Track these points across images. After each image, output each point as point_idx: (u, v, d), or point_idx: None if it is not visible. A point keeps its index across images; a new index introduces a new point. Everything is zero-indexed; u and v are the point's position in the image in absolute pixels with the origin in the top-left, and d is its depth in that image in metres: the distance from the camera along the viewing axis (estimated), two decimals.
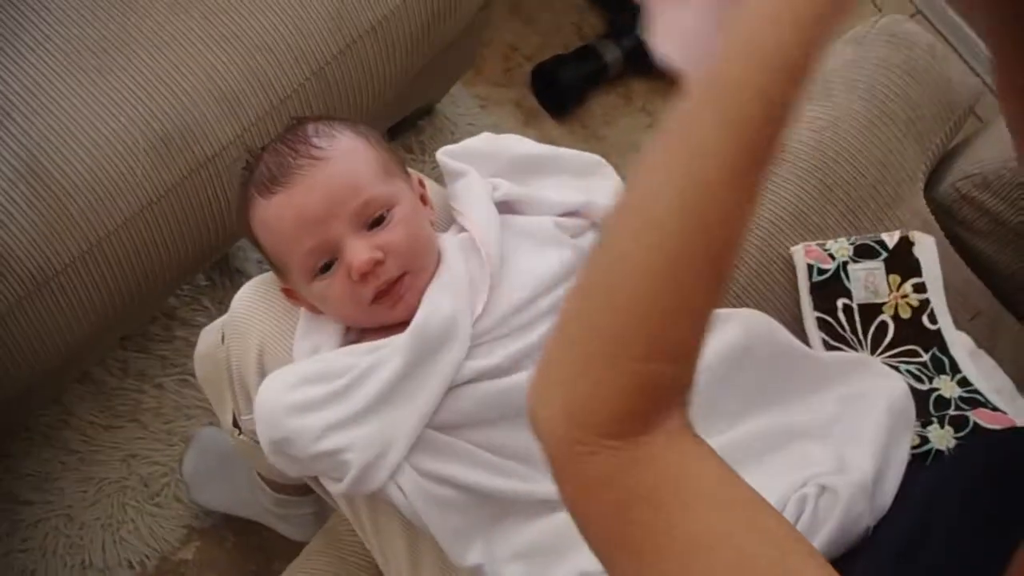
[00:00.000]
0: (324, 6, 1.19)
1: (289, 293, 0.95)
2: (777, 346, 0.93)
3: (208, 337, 1.05)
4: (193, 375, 1.50)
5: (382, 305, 0.88)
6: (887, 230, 1.15)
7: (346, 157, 0.89)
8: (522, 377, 0.85)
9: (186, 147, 1.10)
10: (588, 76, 1.85)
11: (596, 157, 1.02)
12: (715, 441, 0.84)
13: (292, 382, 0.84)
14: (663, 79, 1.68)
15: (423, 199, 0.96)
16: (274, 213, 0.88)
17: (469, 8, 1.42)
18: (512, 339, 0.86)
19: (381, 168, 0.91)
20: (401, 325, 0.87)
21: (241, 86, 1.14)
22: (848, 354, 1.02)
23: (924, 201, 1.22)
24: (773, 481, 0.83)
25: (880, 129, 1.21)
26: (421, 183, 0.98)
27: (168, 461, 1.48)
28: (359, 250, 0.86)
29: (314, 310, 0.93)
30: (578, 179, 0.99)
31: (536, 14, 1.97)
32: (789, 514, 0.80)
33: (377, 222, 0.88)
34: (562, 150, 1.01)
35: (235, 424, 1.04)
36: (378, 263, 0.86)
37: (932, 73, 1.26)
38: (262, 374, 0.92)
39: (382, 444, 0.82)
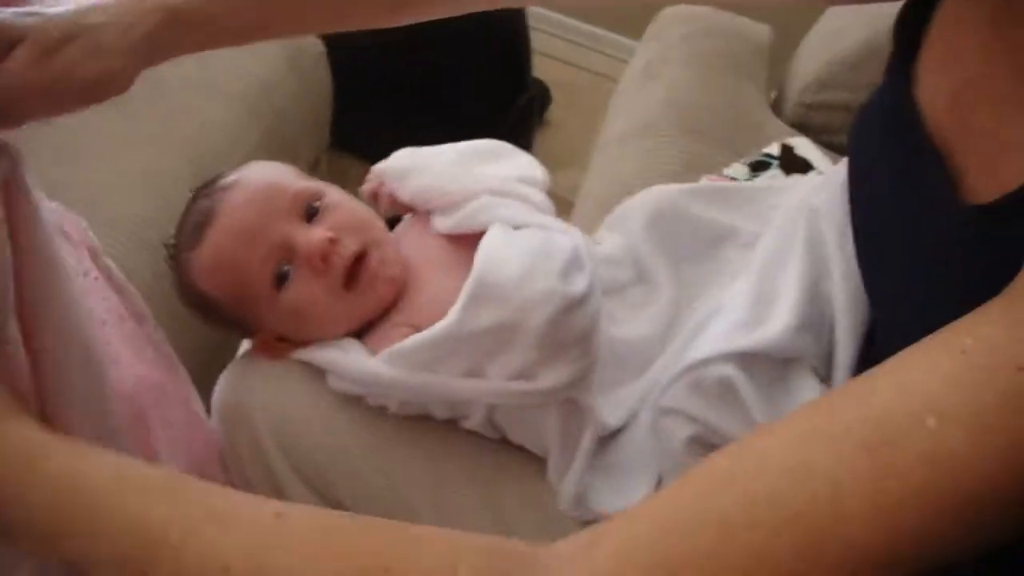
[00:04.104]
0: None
1: (268, 347, 0.85)
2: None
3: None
4: None
5: (360, 288, 0.82)
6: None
7: (259, 172, 0.87)
8: None
9: None
10: None
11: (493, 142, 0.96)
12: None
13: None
14: None
15: None
16: (212, 249, 0.82)
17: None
18: None
19: (298, 173, 0.88)
20: (397, 318, 0.83)
21: None
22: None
23: (781, 121, 1.30)
24: None
25: (710, 79, 1.31)
26: None
27: None
28: (310, 234, 0.81)
29: (303, 345, 0.84)
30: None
31: None
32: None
33: (313, 214, 0.84)
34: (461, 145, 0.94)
35: None
36: (333, 241, 0.81)
37: (725, 26, 1.39)
38: (302, 472, 0.81)
39: None
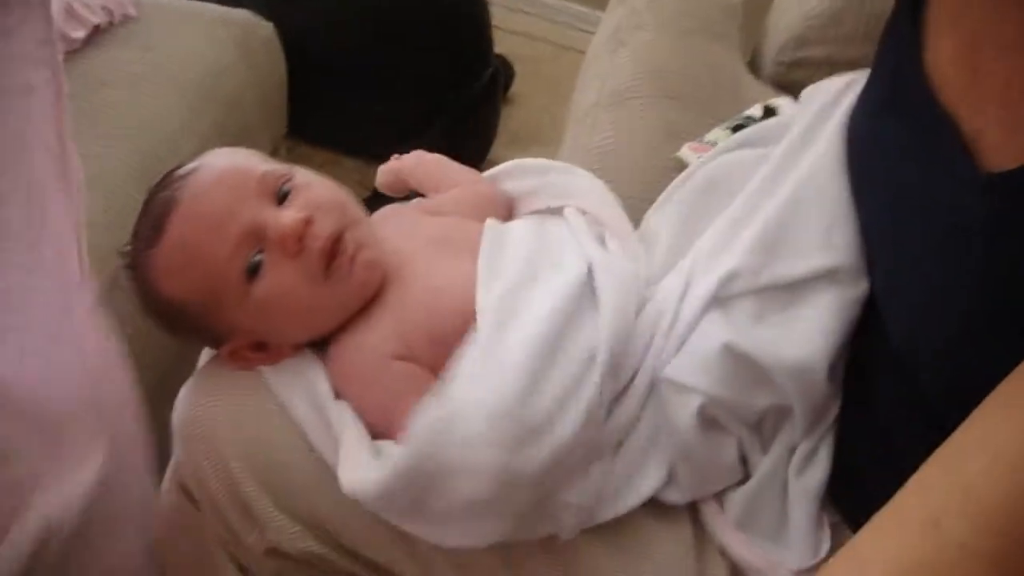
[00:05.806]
0: None
1: (238, 357, 0.77)
2: None
3: (167, 503, 0.83)
4: None
5: (339, 271, 0.74)
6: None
7: (222, 156, 0.79)
8: None
9: None
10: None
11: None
12: None
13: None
14: None
15: None
16: (175, 241, 0.74)
17: None
18: None
19: (263, 157, 0.81)
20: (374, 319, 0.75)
21: None
22: None
23: (761, 80, 1.24)
24: None
25: (682, 42, 1.25)
26: None
27: None
28: (283, 215, 0.74)
29: (274, 358, 0.77)
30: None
31: None
32: None
33: (283, 197, 0.76)
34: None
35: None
36: (308, 222, 0.73)
37: None
38: (274, 493, 0.74)
39: None
